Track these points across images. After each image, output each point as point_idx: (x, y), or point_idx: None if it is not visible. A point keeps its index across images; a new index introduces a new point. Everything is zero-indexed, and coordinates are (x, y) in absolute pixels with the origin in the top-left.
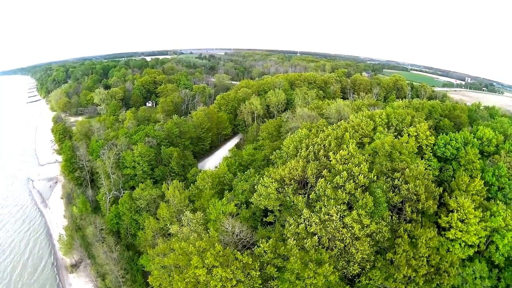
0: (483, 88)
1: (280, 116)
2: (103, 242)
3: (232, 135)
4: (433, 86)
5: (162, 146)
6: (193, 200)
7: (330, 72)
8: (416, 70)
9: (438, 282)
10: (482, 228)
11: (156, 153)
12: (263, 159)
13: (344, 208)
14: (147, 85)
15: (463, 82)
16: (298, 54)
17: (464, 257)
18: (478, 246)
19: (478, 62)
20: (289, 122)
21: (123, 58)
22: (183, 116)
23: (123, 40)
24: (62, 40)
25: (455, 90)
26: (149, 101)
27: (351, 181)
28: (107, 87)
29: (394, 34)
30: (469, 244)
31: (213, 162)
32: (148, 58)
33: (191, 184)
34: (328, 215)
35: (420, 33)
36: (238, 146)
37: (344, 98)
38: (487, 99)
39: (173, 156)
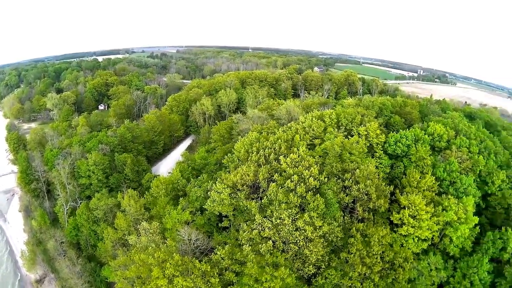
0: (436, 80)
1: (232, 117)
2: (64, 256)
3: (185, 136)
4: (385, 79)
5: (116, 153)
6: (148, 208)
7: (282, 68)
8: (369, 63)
9: (394, 277)
10: (434, 223)
11: (110, 161)
12: (215, 163)
13: (296, 211)
14: (99, 87)
15: (415, 74)
16: (250, 50)
17: (418, 251)
18: (432, 239)
19: (430, 54)
20: (240, 124)
21: (75, 59)
22: (135, 120)
23: (75, 39)
24: (14, 42)
25: (408, 83)
26: (102, 104)
27: (302, 184)
28: (59, 90)
29: (346, 27)
30: (423, 238)
31: (167, 165)
32: (100, 58)
33: (146, 191)
34: (280, 219)
35: (371, 26)
36: (190, 147)
37: (295, 95)
38: (440, 91)
39: (127, 163)
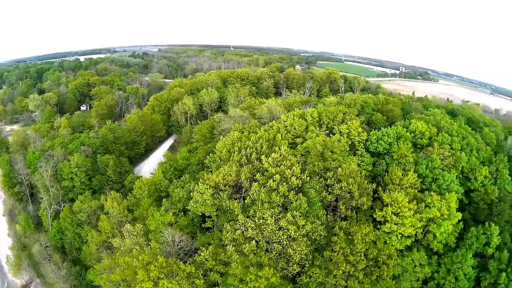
0: (418, 77)
1: (213, 116)
2: (50, 260)
3: (167, 136)
4: (367, 76)
5: (98, 154)
6: (132, 209)
7: (264, 67)
8: (350, 61)
9: (378, 274)
10: (417, 219)
11: (92, 162)
12: (197, 163)
13: (279, 210)
14: (81, 88)
15: (397, 72)
16: (231, 49)
17: (402, 248)
18: (416, 235)
19: (412, 51)
20: (221, 123)
21: (57, 59)
22: (117, 120)
23: (57, 39)
24: None
25: (390, 80)
26: (84, 105)
27: (284, 183)
28: (41, 91)
29: (327, 25)
30: (406, 235)
31: (149, 166)
32: (82, 58)
33: (129, 193)
34: (263, 219)
35: (353, 23)
36: (172, 147)
37: (277, 94)
38: (422, 88)
39: (109, 164)
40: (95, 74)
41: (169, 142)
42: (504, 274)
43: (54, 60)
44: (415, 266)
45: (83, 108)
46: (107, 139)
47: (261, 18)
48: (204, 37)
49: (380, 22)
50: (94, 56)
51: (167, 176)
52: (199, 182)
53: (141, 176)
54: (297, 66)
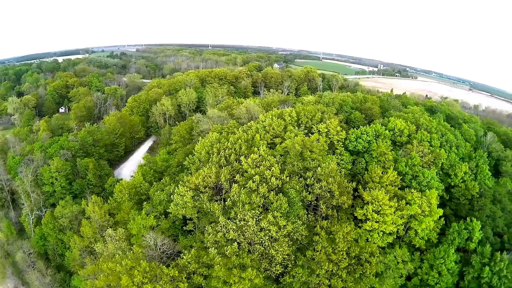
0: (396, 74)
1: (192, 116)
2: (34, 268)
3: (146, 137)
4: (346, 74)
5: (77, 157)
6: (113, 213)
7: (242, 66)
8: (329, 59)
9: (361, 272)
10: (398, 217)
11: (72, 166)
12: (177, 165)
13: (259, 211)
14: (59, 89)
15: (375, 69)
16: (209, 48)
17: (384, 245)
18: (397, 232)
19: (391, 48)
20: (200, 124)
21: (36, 61)
22: (96, 122)
23: (35, 39)
24: None
25: (368, 77)
26: (62, 107)
27: (264, 184)
28: (20, 94)
29: (305, 23)
30: (388, 232)
31: (129, 168)
32: (60, 59)
33: (110, 197)
34: (244, 220)
35: (330, 21)
36: (152, 148)
37: (255, 93)
38: (401, 85)
39: (89, 168)
40: (73, 76)
41: (148, 144)
42: (487, 268)
43: (33, 61)
44: (397, 262)
45: (61, 110)
46: (86, 142)
47: (239, 17)
48: (182, 36)
49: (358, 20)
50: (72, 57)
51: (147, 178)
52: (179, 185)
53: (121, 179)
54: (275, 65)
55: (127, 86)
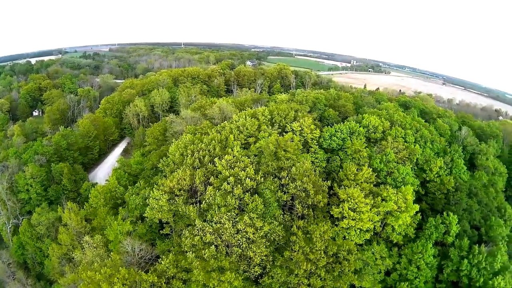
0: (370, 69)
1: (166, 116)
2: (14, 278)
3: (120, 139)
4: (319, 70)
5: (52, 162)
6: (90, 219)
7: (215, 64)
8: (301, 55)
9: (340, 270)
10: (375, 213)
11: (47, 172)
12: (151, 168)
13: (235, 213)
14: (32, 92)
15: (348, 65)
16: (182, 46)
17: (361, 242)
18: (374, 228)
19: (363, 44)
20: (173, 125)
21: (9, 63)
22: (69, 125)
23: (7, 41)
24: None
25: (341, 73)
26: (36, 110)
27: (239, 185)
28: None
29: (277, 19)
30: (365, 229)
31: (104, 171)
32: (33, 61)
33: (86, 202)
34: (220, 223)
35: (303, 17)
36: (126, 150)
37: (228, 91)
38: (374, 80)
39: (64, 173)
40: (46, 78)
41: (122, 145)
42: (465, 261)
43: (6, 63)
44: (376, 259)
45: (35, 113)
46: (61, 146)
47: (211, 15)
48: (155, 35)
49: (330, 16)
50: (46, 58)
51: (121, 182)
52: (154, 188)
53: (97, 183)
54: (248, 62)
55: (100, 87)
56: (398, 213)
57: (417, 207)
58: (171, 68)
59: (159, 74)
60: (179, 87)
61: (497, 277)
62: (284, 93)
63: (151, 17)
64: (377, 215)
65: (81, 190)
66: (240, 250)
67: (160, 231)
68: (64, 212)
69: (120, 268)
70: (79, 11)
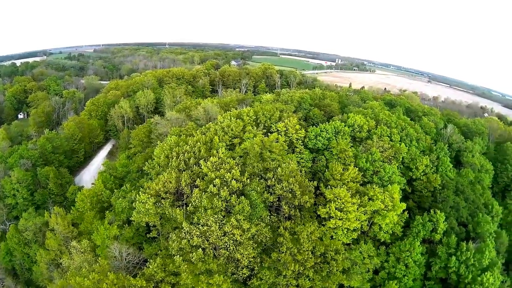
0: (354, 68)
1: (151, 118)
2: (3, 285)
3: (105, 141)
4: (303, 69)
5: (38, 167)
6: (77, 223)
7: (199, 64)
8: (286, 55)
9: (328, 270)
10: (362, 213)
11: (33, 176)
12: (137, 170)
13: (222, 215)
14: (17, 95)
15: (333, 64)
16: (167, 46)
17: (349, 242)
18: (362, 227)
19: (348, 42)
20: (158, 127)
21: None
22: (54, 128)
23: None
24: None
25: (326, 72)
26: (21, 113)
27: (225, 187)
28: None
29: (262, 19)
30: (352, 229)
31: (89, 174)
32: (18, 62)
33: (72, 206)
34: (207, 225)
35: (287, 16)
36: (111, 153)
37: (213, 91)
38: (359, 79)
39: (50, 177)
40: (31, 80)
41: (107, 148)
42: (454, 258)
43: None
44: (364, 258)
45: (20, 116)
46: (46, 149)
47: (195, 14)
48: (140, 35)
49: (314, 15)
50: (31, 60)
51: (107, 186)
52: (140, 192)
53: (83, 186)
54: (233, 62)
55: (85, 89)
56: (385, 212)
57: (404, 205)
58: (156, 68)
59: (144, 75)
60: (164, 88)
61: (486, 273)
62: (269, 93)
63: (136, 17)
64: (364, 214)
65: (68, 194)
66: (227, 253)
67: (147, 234)
68: (51, 217)
69: (108, 273)
70: (63, 11)
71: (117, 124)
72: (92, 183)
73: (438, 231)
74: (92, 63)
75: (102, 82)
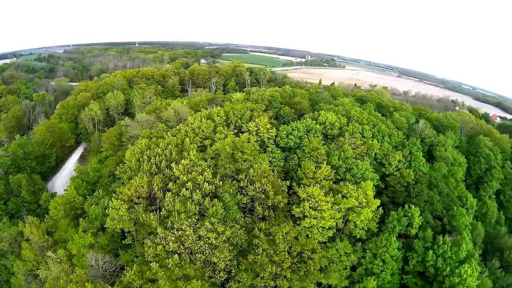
0: (324, 64)
1: (121, 119)
2: None
3: (76, 145)
4: (273, 66)
5: (10, 174)
6: (51, 231)
7: (169, 63)
8: (256, 52)
9: (305, 269)
10: (336, 211)
11: (5, 184)
12: (109, 175)
13: (196, 218)
14: None
15: (303, 60)
16: (137, 46)
17: (324, 240)
18: (337, 225)
19: (317, 38)
20: (129, 129)
21: None
22: (25, 133)
23: None
24: None
25: (296, 69)
26: None
27: (198, 190)
28: None
29: (231, 16)
30: (327, 227)
31: (62, 179)
32: None
33: (46, 214)
34: (181, 230)
35: (256, 13)
36: (83, 156)
37: (183, 91)
38: (329, 75)
39: (23, 184)
40: (1, 83)
41: (79, 151)
42: (431, 252)
43: None
44: (340, 255)
45: None
46: (18, 156)
47: (165, 12)
48: (110, 34)
49: (283, 11)
50: (0, 62)
51: (80, 192)
52: (112, 198)
53: (56, 193)
54: (202, 60)
55: (55, 91)
56: (360, 208)
57: (378, 201)
58: (126, 68)
59: (114, 75)
60: (134, 89)
61: (464, 265)
62: (239, 92)
63: (106, 16)
64: (339, 212)
65: (41, 201)
66: (203, 257)
67: (122, 241)
68: (25, 227)
69: (86, 283)
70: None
71: (87, 127)
72: (65, 190)
73: (413, 226)
74: (62, 65)
75: (72, 83)
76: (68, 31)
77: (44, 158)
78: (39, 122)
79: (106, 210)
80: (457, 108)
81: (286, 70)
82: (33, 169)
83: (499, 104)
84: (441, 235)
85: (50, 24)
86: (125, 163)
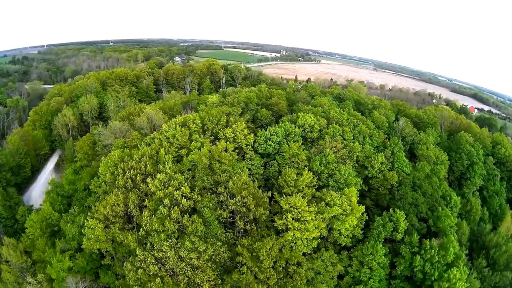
0: (299, 59)
1: (96, 124)
2: None
3: (51, 152)
4: (248, 62)
5: None
6: (30, 251)
7: (143, 62)
8: (230, 48)
9: (292, 285)
10: (320, 220)
11: None
12: (84, 189)
13: (176, 236)
14: None
15: (278, 55)
16: (111, 44)
17: (309, 252)
18: (321, 234)
19: (292, 33)
20: (102, 138)
21: None
22: None
23: None
24: None
25: (271, 64)
26: None
27: (176, 207)
28: None
29: (205, 11)
30: (311, 238)
31: (38, 190)
32: None
33: (23, 233)
34: (162, 251)
35: (229, 7)
36: (58, 165)
37: (158, 91)
38: (304, 69)
39: None
40: None
41: (54, 159)
42: (418, 257)
43: None
44: (326, 266)
45: None
46: None
47: (139, 9)
48: (83, 33)
49: (257, 6)
50: None
51: (56, 207)
52: (88, 217)
53: (32, 206)
54: (177, 58)
55: (29, 95)
56: (344, 216)
57: (362, 208)
58: (100, 69)
59: (87, 77)
60: (108, 91)
61: (452, 269)
62: (215, 91)
63: (79, 15)
64: (323, 221)
65: (18, 216)
66: (186, 278)
67: (101, 261)
68: (2, 248)
69: None
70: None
71: (61, 134)
72: (40, 204)
73: (399, 230)
74: (36, 67)
75: (46, 86)
76: (42, 30)
77: (19, 168)
78: (13, 130)
79: (82, 230)
80: (434, 101)
81: (261, 66)
82: (8, 181)
83: (475, 95)
84: (427, 237)
85: (25, 24)
86: (100, 176)
